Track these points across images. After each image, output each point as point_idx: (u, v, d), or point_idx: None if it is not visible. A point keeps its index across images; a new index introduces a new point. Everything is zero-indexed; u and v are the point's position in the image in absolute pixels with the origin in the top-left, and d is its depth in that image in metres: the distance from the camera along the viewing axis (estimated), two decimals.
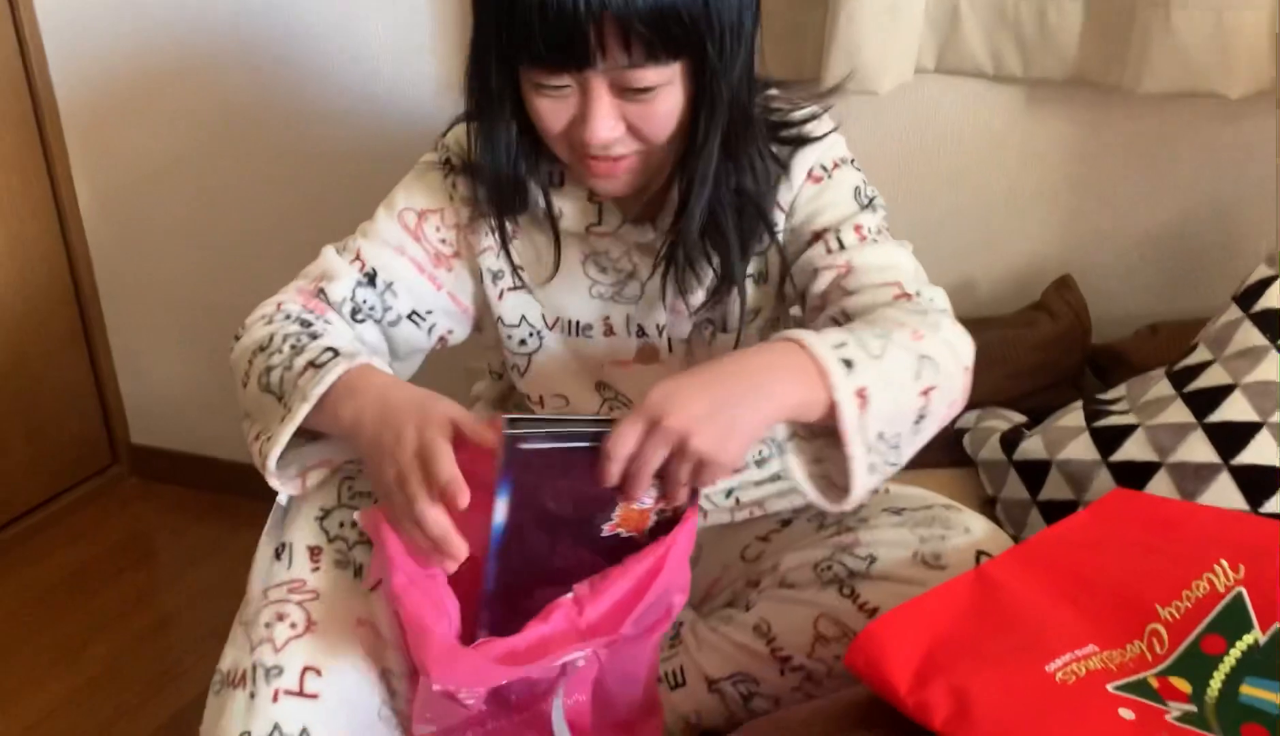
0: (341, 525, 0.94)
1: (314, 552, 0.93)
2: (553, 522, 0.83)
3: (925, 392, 0.87)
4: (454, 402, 0.85)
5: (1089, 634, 0.81)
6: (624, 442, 0.78)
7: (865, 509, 1.03)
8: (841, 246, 0.98)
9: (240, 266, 1.87)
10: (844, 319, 0.95)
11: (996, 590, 0.85)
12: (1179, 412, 1.12)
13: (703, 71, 0.89)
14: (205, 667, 0.94)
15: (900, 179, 1.45)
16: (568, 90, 0.90)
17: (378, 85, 1.66)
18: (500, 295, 1.08)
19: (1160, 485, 1.10)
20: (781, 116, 1.01)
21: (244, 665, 0.89)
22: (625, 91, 0.89)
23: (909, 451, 0.90)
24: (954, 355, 0.90)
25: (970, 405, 0.94)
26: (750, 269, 1.04)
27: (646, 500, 0.83)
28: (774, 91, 1.03)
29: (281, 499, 0.97)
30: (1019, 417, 1.31)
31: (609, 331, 1.08)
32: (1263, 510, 1.05)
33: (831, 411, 0.82)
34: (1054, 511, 1.16)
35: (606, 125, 0.90)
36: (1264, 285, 1.15)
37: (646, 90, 0.88)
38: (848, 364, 0.83)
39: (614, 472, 0.79)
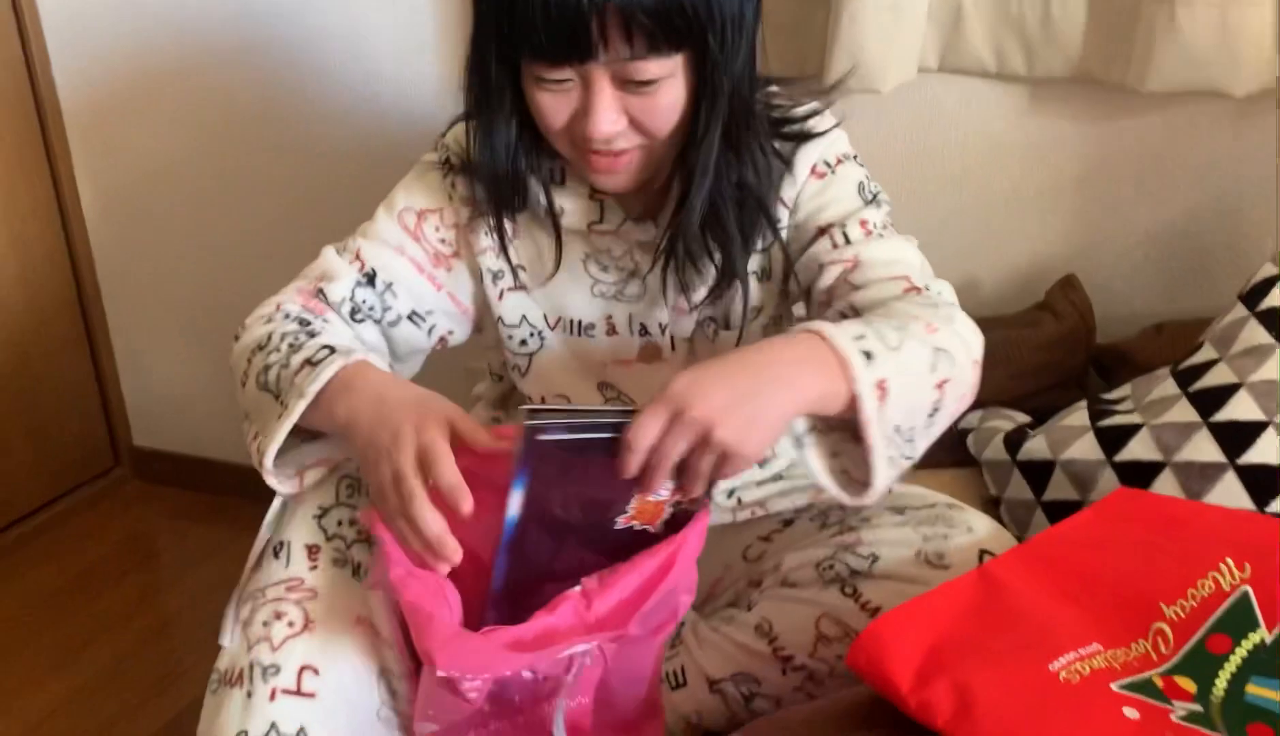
0: (340, 523, 0.93)
1: (312, 551, 0.92)
2: (567, 516, 0.82)
3: (940, 385, 0.87)
4: (450, 402, 0.85)
5: (1093, 633, 0.80)
6: (646, 433, 0.77)
7: (868, 508, 1.02)
8: (847, 241, 0.98)
9: (243, 267, 1.87)
10: (852, 313, 0.94)
11: (1000, 589, 0.84)
12: (1184, 412, 1.11)
13: (704, 64, 0.89)
14: (206, 669, 0.93)
15: (903, 178, 1.45)
16: (569, 84, 0.89)
17: (380, 84, 1.66)
18: (500, 295, 1.07)
19: (1165, 485, 1.09)
20: (783, 113, 1.01)
21: (241, 664, 0.89)
22: (627, 84, 0.89)
23: (922, 445, 0.89)
24: (966, 348, 0.90)
25: (974, 405, 0.94)
26: (753, 266, 1.03)
27: (663, 492, 0.82)
28: (775, 88, 1.03)
29: (275, 504, 0.97)
30: (1023, 417, 1.30)
31: (611, 331, 1.08)
32: (1269, 509, 1.05)
33: (851, 404, 0.81)
34: (1058, 511, 1.15)
35: (609, 118, 0.89)
36: (1270, 284, 1.14)
37: (649, 83, 0.88)
38: (868, 355, 0.82)
39: (634, 464, 0.78)
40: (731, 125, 0.93)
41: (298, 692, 0.87)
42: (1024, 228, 1.44)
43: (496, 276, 1.06)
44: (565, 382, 1.11)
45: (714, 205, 0.96)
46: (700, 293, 1.02)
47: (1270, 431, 1.06)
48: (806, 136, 1.00)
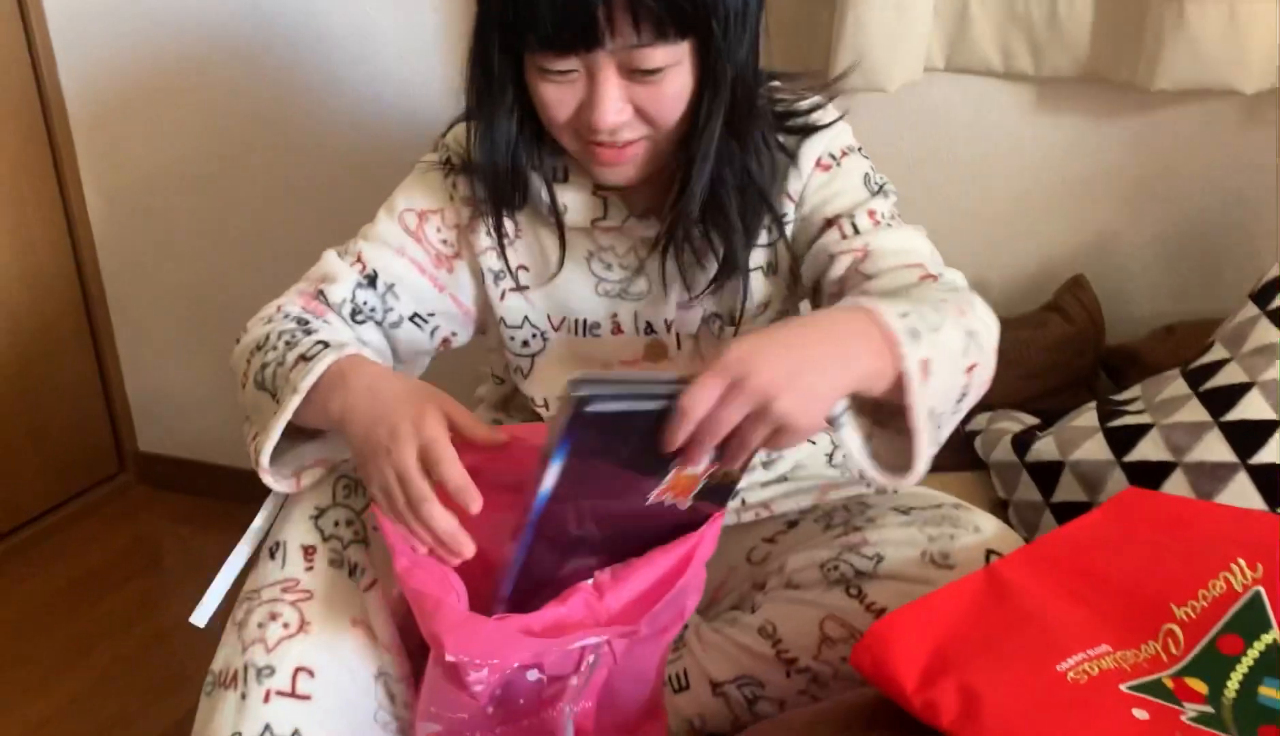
0: (336, 524, 0.93)
1: (308, 552, 0.92)
2: (601, 490, 0.79)
3: (969, 370, 0.85)
4: (445, 394, 0.84)
5: (1102, 633, 0.79)
6: (702, 402, 0.74)
7: (873, 508, 1.01)
8: (856, 231, 0.97)
9: (248, 271, 1.86)
10: None
11: (1006, 589, 0.83)
12: (1195, 411, 1.10)
13: (708, 53, 0.89)
14: None
15: (910, 178, 1.43)
16: (574, 75, 0.89)
17: (384, 85, 1.65)
18: (502, 295, 1.07)
19: (1176, 485, 1.08)
20: (787, 106, 1.01)
21: (236, 665, 0.88)
22: (633, 73, 0.88)
23: (947, 432, 0.87)
24: (989, 334, 0.89)
25: (982, 407, 0.93)
26: (760, 260, 1.03)
27: (701, 464, 0.79)
28: (778, 83, 1.03)
29: (263, 514, 0.96)
30: (1031, 419, 1.29)
31: (616, 329, 1.07)
32: None
33: (895, 384, 0.79)
34: (1067, 513, 1.14)
35: (615, 107, 0.89)
36: None
37: (655, 71, 0.88)
38: (914, 334, 0.80)
39: (684, 434, 0.75)
40: (734, 115, 0.93)
41: (293, 694, 0.86)
42: (1032, 228, 1.43)
43: (498, 277, 1.06)
44: None
45: (715, 194, 0.96)
46: (701, 283, 1.01)
47: None
48: (811, 129, 1.00)
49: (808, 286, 1.03)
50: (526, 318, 1.07)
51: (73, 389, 1.99)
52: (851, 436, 0.85)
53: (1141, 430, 1.12)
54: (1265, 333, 1.11)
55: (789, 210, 1.01)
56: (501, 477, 0.81)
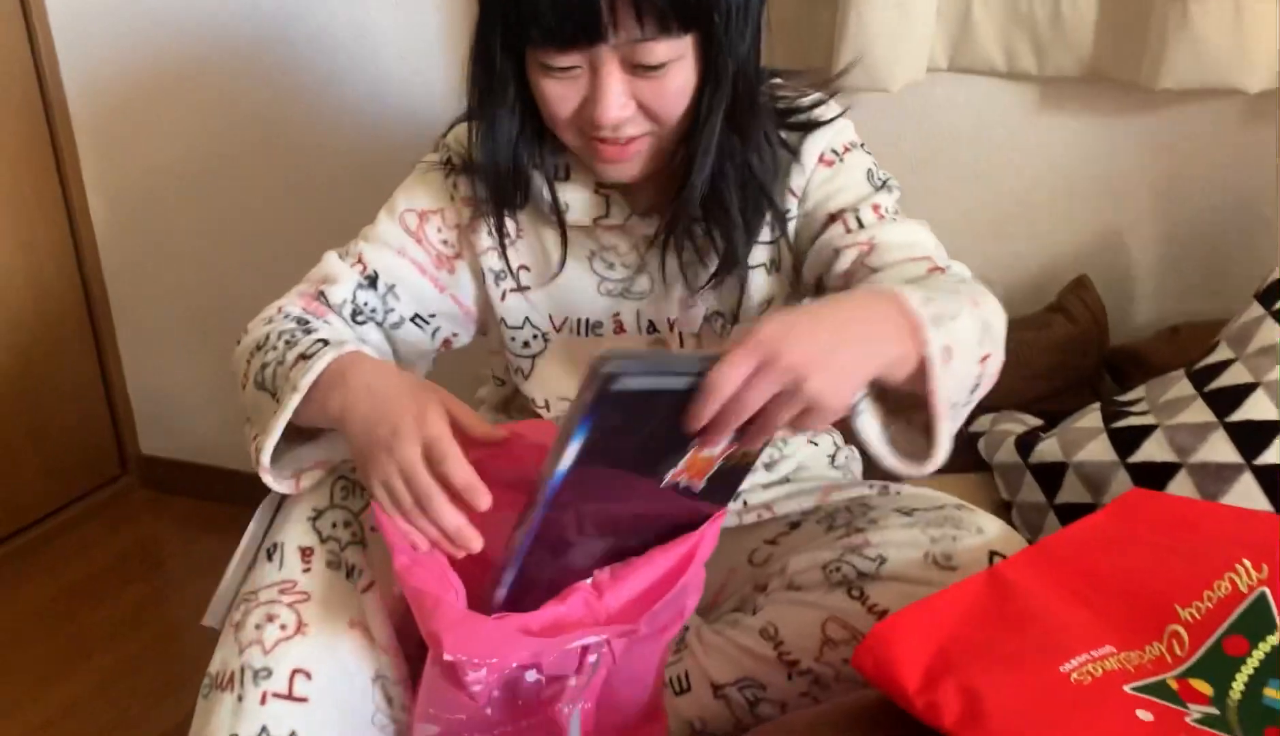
0: (334, 526, 0.92)
1: (305, 553, 0.91)
2: (617, 469, 0.77)
3: (983, 360, 0.85)
4: (445, 391, 0.84)
5: (1106, 634, 0.78)
6: (731, 379, 0.72)
7: (875, 510, 1.01)
8: (861, 225, 0.97)
9: (250, 272, 1.86)
10: None
11: (1010, 590, 0.83)
12: (1200, 412, 1.10)
13: (710, 47, 0.89)
14: None
15: (913, 179, 1.42)
16: (577, 71, 0.89)
17: (387, 85, 1.65)
18: (503, 296, 1.06)
19: (1181, 486, 1.08)
20: (789, 103, 1.01)
21: (232, 667, 0.88)
22: (637, 68, 0.88)
23: (958, 423, 0.86)
24: (1001, 326, 0.89)
25: (985, 408, 0.92)
26: (763, 257, 1.02)
27: (719, 446, 0.78)
28: (779, 81, 1.03)
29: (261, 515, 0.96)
30: (1035, 421, 1.28)
31: (619, 329, 1.07)
32: None
33: (915, 370, 0.79)
34: (1071, 515, 1.13)
35: (618, 102, 0.89)
36: None
37: (658, 67, 0.88)
38: (936, 320, 0.79)
39: (710, 412, 0.73)
40: (735, 109, 0.92)
41: (289, 696, 0.86)
42: (1035, 228, 1.43)
43: (499, 277, 1.06)
44: (569, 385, 1.09)
45: (716, 188, 0.95)
46: (701, 277, 1.01)
47: None
48: (813, 125, 1.00)
49: (809, 284, 1.02)
50: (527, 318, 1.07)
51: (74, 391, 1.99)
52: (870, 424, 0.84)
53: (1146, 431, 1.12)
54: (1271, 333, 1.10)
55: (792, 206, 1.00)
56: (502, 474, 0.81)
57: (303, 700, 0.86)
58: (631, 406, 0.72)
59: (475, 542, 0.80)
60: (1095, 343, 1.34)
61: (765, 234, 1.01)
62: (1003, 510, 1.23)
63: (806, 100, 1.01)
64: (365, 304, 1.02)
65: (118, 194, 1.92)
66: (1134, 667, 0.76)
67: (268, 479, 0.91)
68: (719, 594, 1.09)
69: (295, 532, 0.92)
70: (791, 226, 1.01)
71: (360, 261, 1.03)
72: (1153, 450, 1.10)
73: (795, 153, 0.99)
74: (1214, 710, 0.73)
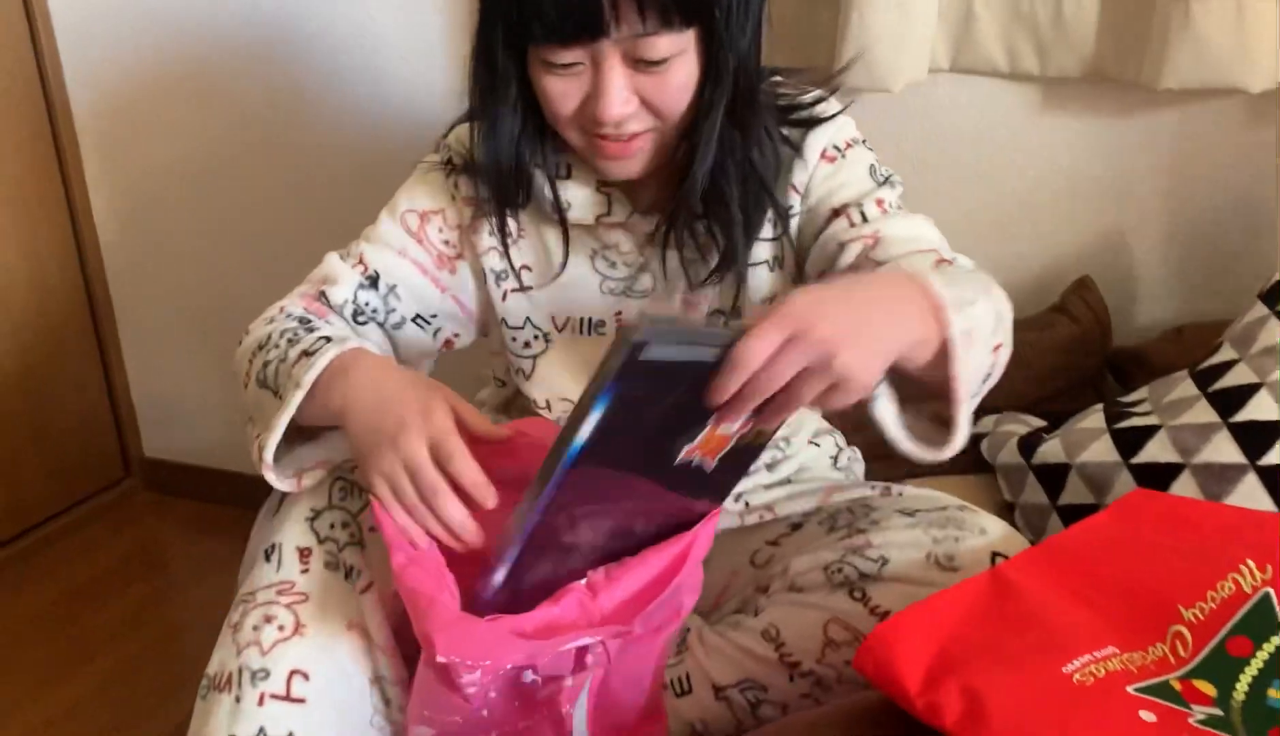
0: (332, 526, 0.92)
1: (303, 554, 0.91)
2: (634, 444, 0.75)
3: (995, 349, 0.85)
4: (448, 388, 0.84)
5: (1108, 635, 0.78)
6: (759, 352, 0.70)
7: (877, 511, 1.00)
8: (865, 219, 0.97)
9: (253, 274, 1.86)
10: None
11: (1012, 591, 0.82)
12: (1203, 413, 1.09)
13: (711, 42, 0.89)
14: None
15: (915, 179, 1.42)
16: (579, 67, 0.89)
17: (389, 86, 1.66)
18: (504, 296, 1.06)
19: (1184, 487, 1.07)
20: (790, 100, 1.01)
21: (230, 668, 0.88)
22: (639, 63, 0.88)
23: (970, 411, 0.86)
24: (1010, 317, 0.89)
25: (988, 409, 0.92)
26: (766, 254, 1.02)
27: (737, 422, 0.76)
28: (780, 79, 1.02)
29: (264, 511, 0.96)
30: (1038, 422, 1.28)
31: None
32: None
33: (935, 354, 0.78)
34: (1074, 516, 1.13)
35: (621, 98, 0.89)
36: None
37: (660, 62, 0.88)
38: (957, 304, 0.79)
39: (735, 385, 0.71)
40: (736, 104, 0.92)
41: (287, 698, 0.86)
42: (1038, 229, 1.43)
43: (500, 277, 1.05)
44: (571, 385, 1.09)
45: (717, 183, 0.95)
46: (702, 273, 1.01)
47: None
48: (815, 121, 1.00)
49: (812, 280, 1.02)
50: (529, 318, 1.07)
51: (77, 393, 2.00)
52: (887, 408, 0.83)
53: (1149, 431, 1.11)
54: (1275, 333, 1.10)
55: (794, 202, 1.00)
56: (504, 472, 0.80)
57: (300, 701, 0.86)
58: (656, 376, 0.70)
59: (477, 538, 0.79)
60: (1098, 343, 1.34)
61: (768, 231, 1.01)
62: (1005, 511, 1.22)
63: (808, 97, 1.01)
64: (366, 304, 1.02)
65: (120, 195, 1.93)
66: (1137, 668, 0.76)
67: (270, 477, 0.91)
68: (721, 595, 1.09)
69: (293, 533, 0.92)
70: (794, 223, 1.01)
71: (361, 262, 1.03)
72: (1156, 451, 1.10)
73: (798, 149, 0.99)
74: (1217, 711, 0.73)
